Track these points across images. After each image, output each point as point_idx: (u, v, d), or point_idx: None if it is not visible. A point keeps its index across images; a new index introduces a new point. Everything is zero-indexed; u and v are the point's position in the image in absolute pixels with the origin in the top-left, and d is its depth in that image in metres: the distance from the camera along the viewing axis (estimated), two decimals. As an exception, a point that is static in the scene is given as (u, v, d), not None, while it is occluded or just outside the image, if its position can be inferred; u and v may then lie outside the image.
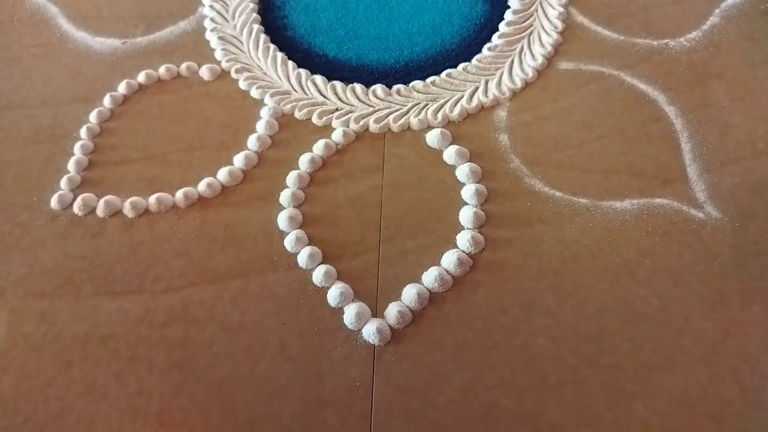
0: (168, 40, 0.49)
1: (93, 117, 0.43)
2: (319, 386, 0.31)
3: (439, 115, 0.42)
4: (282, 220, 0.37)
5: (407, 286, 0.34)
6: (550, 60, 0.46)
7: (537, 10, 0.49)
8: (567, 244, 0.36)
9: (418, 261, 0.35)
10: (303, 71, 0.46)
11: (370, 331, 0.32)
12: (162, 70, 0.46)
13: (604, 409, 0.30)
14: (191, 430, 0.30)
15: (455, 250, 0.36)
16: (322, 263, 0.35)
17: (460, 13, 0.50)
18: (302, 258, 0.35)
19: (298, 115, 0.43)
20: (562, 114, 0.42)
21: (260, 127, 0.42)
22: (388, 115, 0.43)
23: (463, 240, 0.36)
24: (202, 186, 0.39)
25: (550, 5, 0.49)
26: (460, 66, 0.45)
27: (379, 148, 0.41)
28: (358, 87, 0.44)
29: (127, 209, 0.38)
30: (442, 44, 0.47)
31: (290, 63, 0.46)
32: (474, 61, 0.46)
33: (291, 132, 0.42)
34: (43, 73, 0.47)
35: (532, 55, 0.46)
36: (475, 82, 0.44)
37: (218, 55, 0.47)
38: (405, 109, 0.43)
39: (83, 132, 0.43)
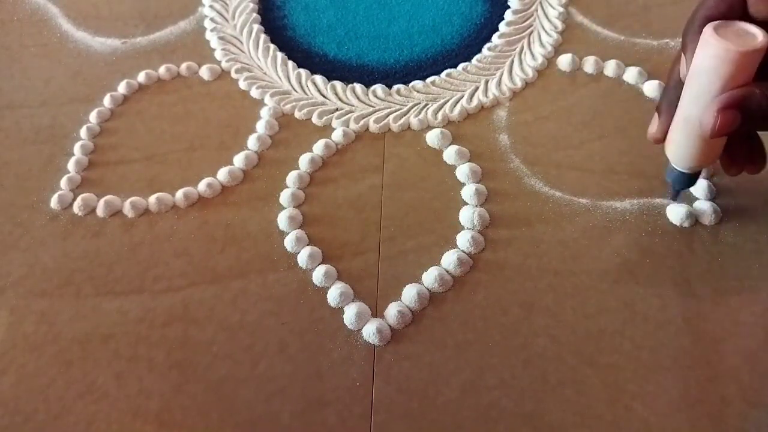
0: (168, 40, 0.49)
1: (93, 117, 0.43)
2: (319, 386, 0.31)
3: (439, 115, 0.42)
4: (282, 220, 0.37)
5: (407, 286, 0.34)
6: (550, 60, 0.46)
7: (537, 10, 0.49)
8: (567, 244, 0.36)
9: (418, 261, 0.35)
10: (303, 71, 0.46)
11: (370, 331, 0.32)
12: (162, 70, 0.46)
13: (604, 409, 0.30)
14: (191, 430, 0.30)
15: (455, 250, 0.35)
16: (322, 263, 0.35)
17: (460, 13, 0.50)
18: (302, 258, 0.35)
19: (298, 115, 0.43)
20: (562, 114, 0.42)
21: (260, 127, 0.42)
22: (388, 115, 0.43)
23: (463, 240, 0.36)
24: (202, 186, 0.39)
25: (550, 5, 0.49)
26: (460, 66, 0.45)
27: (379, 148, 0.41)
28: (358, 87, 0.44)
29: (127, 209, 0.38)
30: (442, 44, 0.47)
31: (290, 63, 0.46)
32: (474, 61, 0.46)
33: (291, 132, 0.42)
34: (43, 73, 0.47)
35: (532, 55, 0.46)
36: (475, 82, 0.45)
37: (218, 55, 0.47)
38: (405, 109, 0.43)
39: (83, 132, 0.43)
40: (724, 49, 0.26)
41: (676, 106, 0.30)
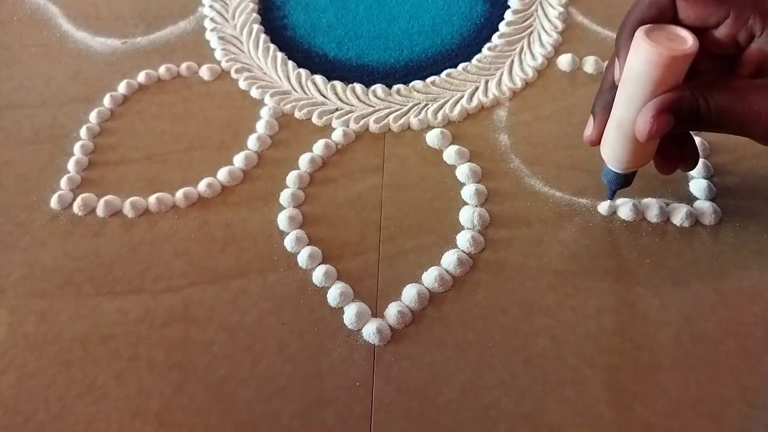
0: (168, 40, 0.49)
1: (93, 117, 0.43)
2: (319, 386, 0.31)
3: (439, 115, 0.42)
4: (282, 220, 0.37)
5: (407, 286, 0.34)
6: (550, 60, 0.46)
7: (537, 10, 0.49)
8: (567, 244, 0.36)
9: (418, 261, 0.35)
10: (303, 71, 0.46)
11: (370, 331, 0.32)
12: (162, 70, 0.46)
13: (604, 409, 0.30)
14: (191, 430, 0.30)
15: (455, 250, 0.36)
16: (322, 263, 0.35)
17: (460, 13, 0.50)
18: (302, 258, 0.35)
19: (298, 115, 0.43)
20: (562, 114, 0.42)
21: (260, 127, 0.42)
22: (388, 115, 0.43)
23: (463, 240, 0.36)
24: (202, 186, 0.39)
25: (550, 5, 0.49)
26: (460, 66, 0.45)
27: (379, 148, 0.41)
28: (358, 87, 0.44)
29: (127, 209, 0.38)
30: (442, 44, 0.47)
31: (290, 63, 0.46)
32: (474, 61, 0.46)
33: (291, 132, 0.42)
34: (43, 73, 0.47)
35: (532, 55, 0.46)
36: (475, 82, 0.45)
37: (218, 55, 0.47)
38: (405, 109, 0.43)
39: (83, 132, 0.43)
40: (655, 53, 0.26)
41: (611, 108, 0.30)
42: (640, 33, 0.27)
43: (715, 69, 0.29)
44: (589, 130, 0.32)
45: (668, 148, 0.32)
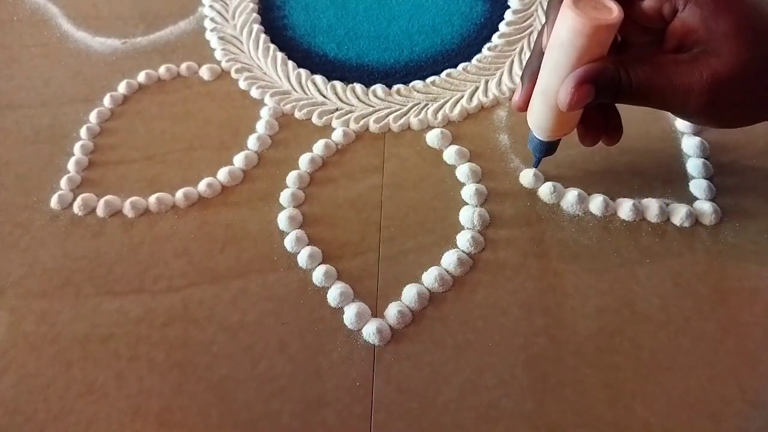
0: (168, 40, 0.49)
1: (93, 117, 0.43)
2: (319, 386, 0.31)
3: (439, 115, 0.42)
4: (282, 220, 0.37)
5: (407, 286, 0.34)
6: (550, 60, 0.46)
7: (537, 10, 0.49)
8: (567, 244, 0.36)
9: (418, 261, 0.35)
10: (303, 71, 0.46)
11: (370, 331, 0.32)
12: (162, 70, 0.46)
13: (604, 409, 0.30)
14: (191, 430, 0.30)
15: (455, 250, 0.36)
16: (322, 263, 0.35)
17: (460, 13, 0.50)
18: (302, 258, 0.35)
19: (298, 115, 0.43)
20: (562, 114, 0.42)
21: (260, 127, 0.42)
22: (388, 115, 0.43)
23: (463, 240, 0.36)
24: (202, 186, 0.39)
25: (550, 5, 0.49)
26: (460, 66, 0.45)
27: (379, 148, 0.41)
28: (358, 87, 0.44)
29: (127, 209, 0.38)
30: (442, 44, 0.47)
31: (290, 63, 0.46)
32: (474, 61, 0.46)
33: (291, 132, 0.42)
34: (43, 73, 0.47)
35: (532, 55, 0.46)
36: (475, 82, 0.45)
37: (218, 55, 0.47)
38: (405, 109, 0.43)
39: (83, 132, 0.43)
40: (580, 22, 0.27)
41: (538, 76, 0.30)
42: (567, 1, 0.27)
43: (646, 43, 0.30)
44: (516, 96, 0.32)
45: (591, 119, 0.32)
